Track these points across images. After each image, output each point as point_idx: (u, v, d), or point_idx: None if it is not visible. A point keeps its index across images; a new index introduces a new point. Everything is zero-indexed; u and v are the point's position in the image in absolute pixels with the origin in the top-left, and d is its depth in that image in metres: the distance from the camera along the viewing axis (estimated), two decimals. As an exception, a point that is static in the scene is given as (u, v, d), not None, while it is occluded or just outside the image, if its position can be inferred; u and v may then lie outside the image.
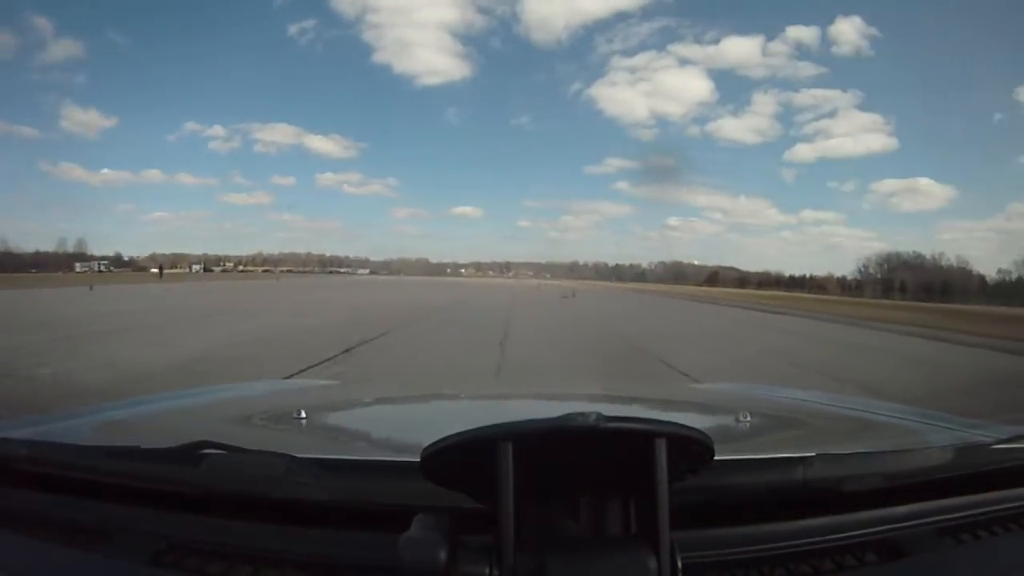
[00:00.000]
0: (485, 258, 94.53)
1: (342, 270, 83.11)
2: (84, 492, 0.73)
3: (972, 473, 0.77)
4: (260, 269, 74.93)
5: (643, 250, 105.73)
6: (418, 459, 0.55)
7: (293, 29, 67.87)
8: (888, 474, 0.73)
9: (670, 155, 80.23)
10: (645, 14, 80.00)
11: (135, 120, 78.86)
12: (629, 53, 71.79)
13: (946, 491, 0.75)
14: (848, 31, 62.45)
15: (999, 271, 66.75)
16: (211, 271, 67.21)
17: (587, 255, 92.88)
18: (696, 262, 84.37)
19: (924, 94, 73.07)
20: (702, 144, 74.72)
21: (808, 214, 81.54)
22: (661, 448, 0.52)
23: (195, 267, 68.78)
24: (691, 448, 0.55)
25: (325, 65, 74.86)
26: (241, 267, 76.94)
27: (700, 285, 70.27)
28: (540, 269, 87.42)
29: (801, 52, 65.70)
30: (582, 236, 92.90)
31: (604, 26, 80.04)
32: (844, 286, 72.20)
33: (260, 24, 73.58)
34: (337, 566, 0.63)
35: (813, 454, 0.72)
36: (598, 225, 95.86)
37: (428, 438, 0.55)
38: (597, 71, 79.42)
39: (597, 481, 0.57)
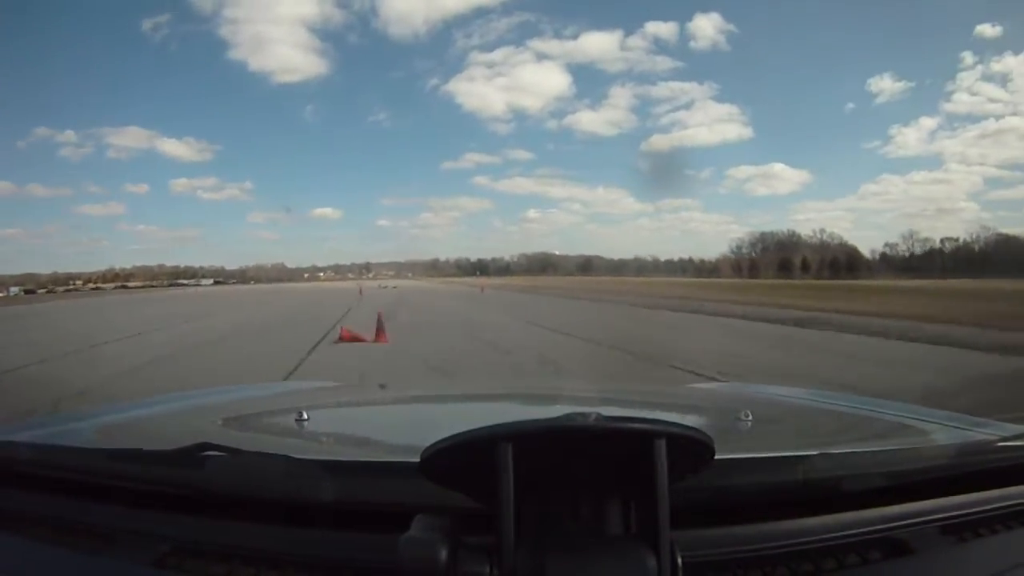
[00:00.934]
0: (344, 260, 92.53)
1: (184, 282, 75.43)
2: (87, 494, 0.73)
3: (975, 471, 0.77)
4: (89, 286, 66.22)
5: (504, 243, 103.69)
6: (418, 459, 0.55)
7: (147, 24, 62.48)
8: (890, 472, 0.73)
9: (528, 148, 78.22)
10: (504, 9, 78.33)
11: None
12: (487, 48, 70.00)
13: (949, 489, 0.74)
14: (706, 26, 62.74)
15: (886, 244, 68.31)
16: (33, 292, 58.32)
17: (448, 251, 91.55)
18: (558, 252, 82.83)
19: (779, 86, 75.00)
20: (560, 137, 73.50)
21: (665, 202, 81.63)
22: (661, 448, 0.52)
23: (13, 289, 59.87)
24: (691, 448, 0.54)
25: (179, 62, 70.09)
26: (91, 284, 68.28)
27: (571, 275, 67.87)
28: (401, 268, 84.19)
29: (659, 47, 65.86)
30: (442, 233, 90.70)
31: (463, 21, 78.30)
32: (738, 269, 71.95)
33: (112, 17, 64.45)
34: (338, 566, 0.63)
35: (814, 453, 0.72)
36: (458, 221, 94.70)
37: (428, 438, 0.55)
38: (455, 66, 78.35)
39: (597, 481, 0.56)
